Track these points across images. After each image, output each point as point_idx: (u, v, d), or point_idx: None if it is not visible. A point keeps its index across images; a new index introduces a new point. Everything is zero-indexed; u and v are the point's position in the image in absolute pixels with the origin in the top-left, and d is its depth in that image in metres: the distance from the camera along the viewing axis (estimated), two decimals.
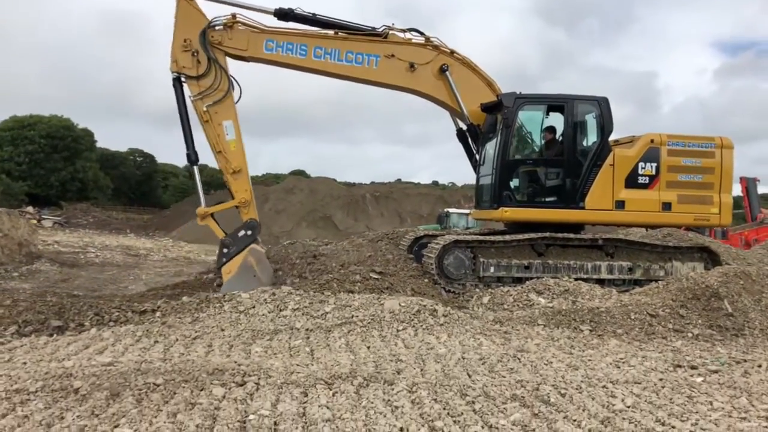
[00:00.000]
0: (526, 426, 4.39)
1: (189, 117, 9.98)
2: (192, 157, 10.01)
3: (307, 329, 7.45)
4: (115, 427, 4.16)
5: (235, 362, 5.75)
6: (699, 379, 5.87)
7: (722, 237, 19.77)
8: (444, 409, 4.70)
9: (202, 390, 4.94)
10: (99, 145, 66.99)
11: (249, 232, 9.90)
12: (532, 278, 9.78)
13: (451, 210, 26.40)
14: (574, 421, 4.53)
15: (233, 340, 6.94)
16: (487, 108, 11.14)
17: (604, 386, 5.49)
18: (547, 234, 10.16)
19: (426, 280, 9.93)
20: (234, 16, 9.90)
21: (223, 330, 7.36)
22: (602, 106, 10.65)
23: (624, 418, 4.60)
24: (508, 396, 5.07)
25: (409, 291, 9.45)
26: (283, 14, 10.05)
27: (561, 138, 10.83)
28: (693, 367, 6.29)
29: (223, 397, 4.83)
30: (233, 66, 10.17)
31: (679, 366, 6.34)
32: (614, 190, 10.64)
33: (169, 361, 5.74)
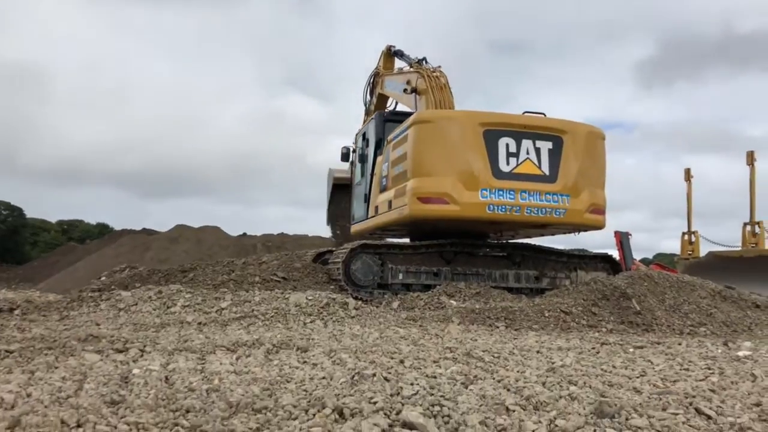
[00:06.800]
0: (467, 375, 3.79)
1: None
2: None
3: (199, 323, 6.49)
4: None
5: (115, 333, 4.75)
6: (630, 349, 5.58)
7: None
8: (371, 364, 4.01)
9: (71, 356, 3.95)
10: None
11: None
12: (440, 285, 9.32)
13: None
14: (518, 371, 4.00)
15: (112, 331, 5.84)
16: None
17: (538, 351, 5.04)
18: (456, 240, 9.80)
19: (332, 287, 9.19)
20: None
21: (98, 325, 6.24)
22: (375, 121, 11.53)
23: (570, 369, 4.14)
24: (437, 357, 4.47)
25: None
26: (395, 53, 13.08)
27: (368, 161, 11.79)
28: (619, 344, 6.03)
29: (99, 361, 3.88)
30: None
31: (606, 344, 6.06)
32: (371, 197, 10.91)
33: (27, 333, 4.64)
